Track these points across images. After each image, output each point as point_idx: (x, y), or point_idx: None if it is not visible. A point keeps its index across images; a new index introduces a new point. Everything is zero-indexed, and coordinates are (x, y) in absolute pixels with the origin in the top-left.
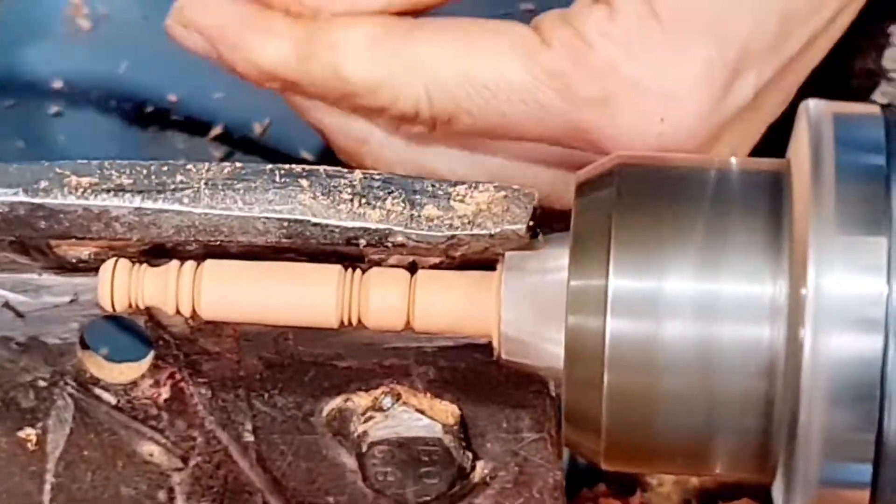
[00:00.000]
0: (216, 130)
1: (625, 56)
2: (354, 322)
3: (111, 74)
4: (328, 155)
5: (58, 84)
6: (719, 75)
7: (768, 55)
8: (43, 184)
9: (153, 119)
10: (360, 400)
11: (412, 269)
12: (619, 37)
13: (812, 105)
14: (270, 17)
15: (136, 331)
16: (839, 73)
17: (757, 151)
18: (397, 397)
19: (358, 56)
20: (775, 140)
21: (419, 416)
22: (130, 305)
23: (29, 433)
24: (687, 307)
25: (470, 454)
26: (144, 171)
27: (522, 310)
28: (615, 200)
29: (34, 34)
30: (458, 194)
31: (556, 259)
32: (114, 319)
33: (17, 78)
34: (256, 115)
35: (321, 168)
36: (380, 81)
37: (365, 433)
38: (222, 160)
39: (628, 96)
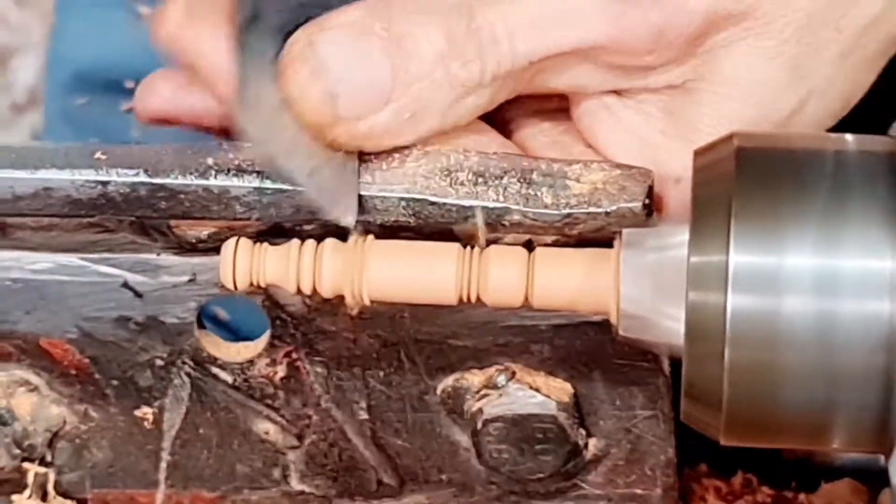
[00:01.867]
0: None
1: None
2: (473, 299)
3: None
4: None
5: (130, 84)
6: None
7: None
8: (164, 164)
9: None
10: (475, 378)
11: (528, 247)
12: None
13: None
14: None
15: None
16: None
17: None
18: (511, 375)
19: None
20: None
21: (533, 394)
22: (251, 284)
23: (146, 412)
24: (807, 283)
25: (584, 431)
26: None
27: (642, 286)
28: (735, 177)
29: (101, 27)
30: (573, 173)
31: (675, 236)
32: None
33: (89, 74)
34: None
35: (437, 147)
36: None
37: (479, 410)
38: None
39: None
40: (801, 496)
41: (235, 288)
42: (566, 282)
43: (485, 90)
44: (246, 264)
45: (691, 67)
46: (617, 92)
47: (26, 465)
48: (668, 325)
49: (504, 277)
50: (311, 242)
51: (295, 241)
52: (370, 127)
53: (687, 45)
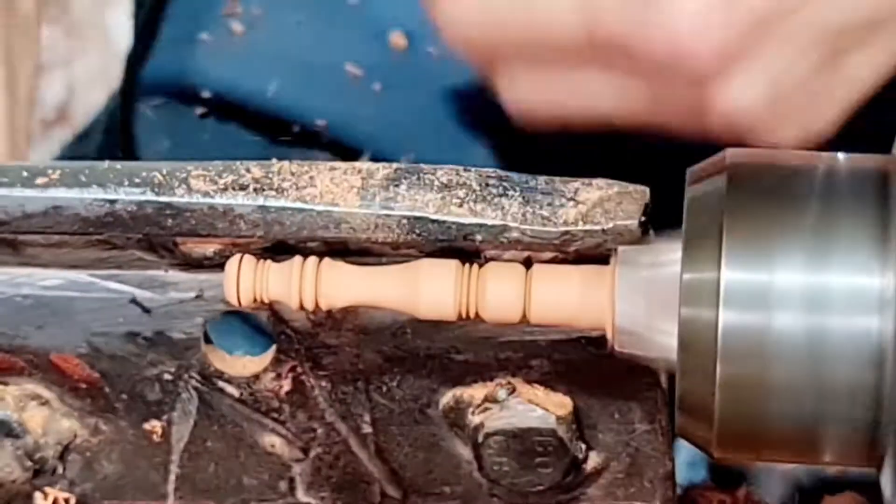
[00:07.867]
0: (364, 159)
1: None
2: (472, 315)
3: (259, 92)
4: None
5: (206, 94)
6: None
7: None
8: (170, 183)
9: (300, 139)
10: (476, 392)
11: (527, 264)
12: None
13: None
14: None
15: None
16: None
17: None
18: (512, 389)
19: None
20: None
21: (533, 408)
22: (255, 300)
23: (154, 425)
24: (797, 299)
25: (583, 445)
26: (269, 170)
27: (636, 302)
28: (726, 196)
29: (188, 34)
30: (571, 191)
31: (668, 253)
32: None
33: (167, 78)
34: (406, 146)
35: (438, 167)
36: None
37: (481, 424)
38: None
39: None
40: None
41: (240, 304)
42: (563, 298)
43: None
44: (249, 281)
45: None
46: None
47: (48, 489)
48: (662, 341)
49: (502, 294)
50: (312, 259)
51: (297, 258)
52: None
53: None
